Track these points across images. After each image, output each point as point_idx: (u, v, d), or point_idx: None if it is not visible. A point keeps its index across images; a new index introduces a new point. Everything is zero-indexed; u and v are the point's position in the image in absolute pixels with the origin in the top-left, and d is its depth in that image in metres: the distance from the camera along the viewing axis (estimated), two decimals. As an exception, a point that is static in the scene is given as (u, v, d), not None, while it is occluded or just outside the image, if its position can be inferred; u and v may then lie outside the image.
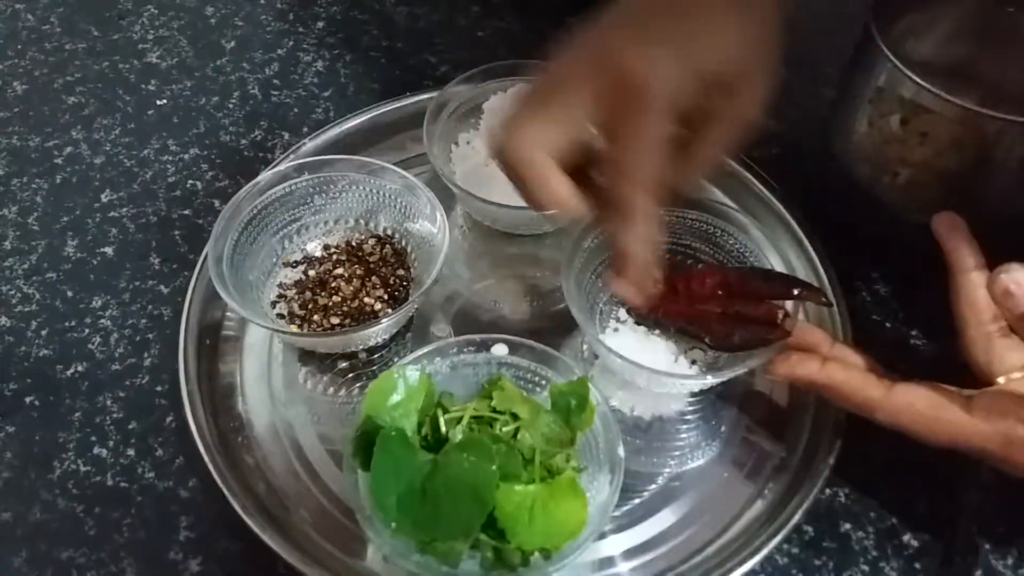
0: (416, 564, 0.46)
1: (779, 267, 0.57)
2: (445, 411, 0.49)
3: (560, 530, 0.46)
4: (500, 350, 0.54)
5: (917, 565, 0.52)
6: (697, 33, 0.42)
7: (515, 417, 0.49)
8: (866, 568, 0.52)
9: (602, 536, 0.52)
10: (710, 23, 0.43)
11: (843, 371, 0.49)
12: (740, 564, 0.49)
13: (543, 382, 0.53)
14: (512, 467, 0.47)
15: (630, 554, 0.52)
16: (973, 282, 0.50)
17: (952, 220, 0.52)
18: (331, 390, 0.58)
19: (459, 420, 0.49)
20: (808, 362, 0.50)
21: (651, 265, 0.47)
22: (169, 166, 0.72)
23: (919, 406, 0.47)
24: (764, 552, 0.50)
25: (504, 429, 0.49)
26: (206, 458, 0.52)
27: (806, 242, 0.63)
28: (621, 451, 0.49)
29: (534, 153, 0.42)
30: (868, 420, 0.49)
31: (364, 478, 0.47)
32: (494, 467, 0.45)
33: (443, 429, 0.48)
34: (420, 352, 0.52)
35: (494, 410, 0.49)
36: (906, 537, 0.53)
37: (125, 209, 0.68)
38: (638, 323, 0.59)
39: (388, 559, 0.50)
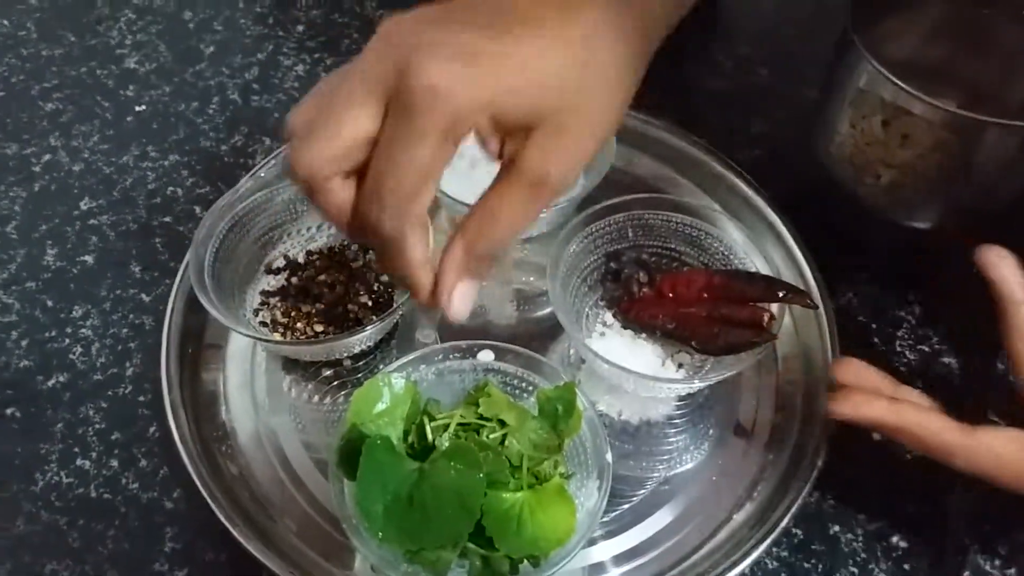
0: (404, 573, 0.46)
1: (764, 269, 0.57)
2: (432, 419, 0.49)
3: (549, 537, 0.46)
4: (486, 356, 0.53)
5: (906, 567, 0.52)
6: (509, 55, 0.35)
7: (502, 424, 0.49)
8: (855, 570, 0.52)
9: (591, 542, 0.52)
10: (531, 44, 0.36)
11: (916, 413, 0.47)
12: (730, 568, 0.49)
13: (530, 387, 0.53)
14: (499, 474, 0.46)
15: (620, 560, 0.52)
16: None
17: (999, 251, 0.49)
18: (315, 398, 0.58)
19: (446, 427, 0.48)
20: (875, 402, 0.47)
21: (423, 282, 0.39)
22: (149, 173, 0.71)
23: (1004, 452, 0.45)
24: (753, 556, 0.50)
25: (491, 436, 0.48)
26: (190, 468, 0.51)
27: (791, 244, 0.63)
28: (609, 456, 0.49)
29: (311, 178, 0.36)
30: (861, 428, 0.49)
31: (350, 487, 0.47)
32: (481, 475, 0.45)
33: (429, 437, 0.48)
34: (405, 359, 0.52)
35: (481, 417, 0.49)
36: (895, 539, 0.53)
37: (105, 217, 0.68)
38: (624, 327, 0.59)
39: (376, 570, 0.50)
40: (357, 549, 0.48)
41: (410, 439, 0.49)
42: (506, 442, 0.48)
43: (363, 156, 0.37)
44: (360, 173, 0.37)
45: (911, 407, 0.47)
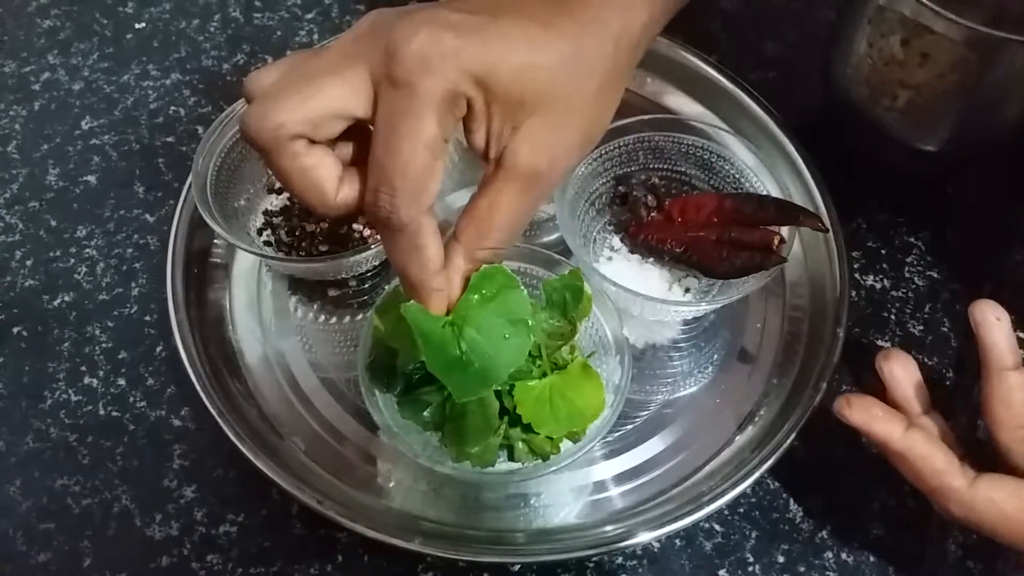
0: (452, 469, 0.47)
1: (775, 193, 0.56)
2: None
3: (583, 413, 0.47)
4: None
5: (905, 488, 0.52)
6: (500, 35, 0.34)
7: None
8: (857, 492, 0.52)
9: (592, 461, 0.53)
10: (522, 29, 0.35)
11: (926, 445, 0.44)
12: (732, 487, 0.50)
13: (534, 281, 0.53)
14: (522, 365, 0.45)
15: (622, 478, 0.53)
16: (1010, 382, 0.44)
17: (995, 310, 0.46)
18: (322, 318, 0.58)
19: None
20: (891, 423, 0.45)
21: (437, 285, 0.38)
22: (150, 92, 0.70)
23: (1007, 507, 0.42)
24: (755, 476, 0.50)
25: None
26: (197, 386, 0.52)
27: (802, 167, 0.61)
28: (625, 331, 0.50)
29: (278, 135, 0.34)
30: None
31: (384, 400, 0.48)
32: (517, 283, 0.42)
33: None
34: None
35: None
36: (895, 460, 0.53)
37: (107, 136, 0.67)
38: (632, 252, 0.59)
39: (396, 482, 0.52)
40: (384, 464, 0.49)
41: None
42: None
43: (335, 130, 0.35)
44: (354, 161, 0.36)
45: (923, 437, 0.44)
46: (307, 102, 0.34)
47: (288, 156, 0.35)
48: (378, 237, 0.56)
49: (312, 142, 0.35)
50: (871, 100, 0.59)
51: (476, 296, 0.41)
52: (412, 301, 0.40)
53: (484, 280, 0.41)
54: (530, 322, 0.42)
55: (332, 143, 0.36)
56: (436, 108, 0.33)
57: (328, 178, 0.36)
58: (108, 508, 0.51)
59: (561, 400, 0.47)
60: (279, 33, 0.73)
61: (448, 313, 0.40)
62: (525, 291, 0.42)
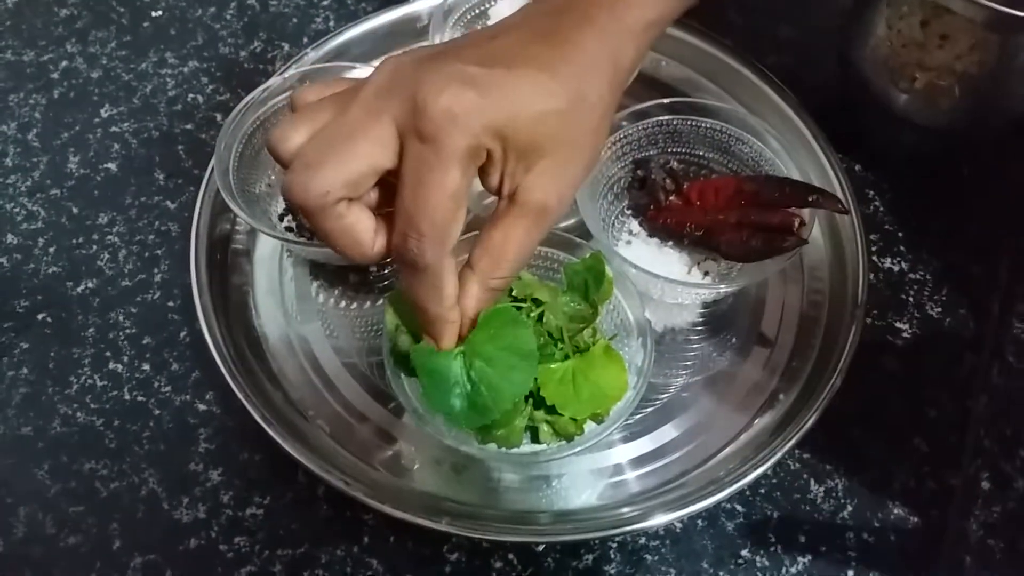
0: (479, 451, 0.48)
1: (793, 175, 0.56)
2: None
3: (606, 395, 0.48)
4: None
5: (926, 468, 0.53)
6: (513, 87, 0.37)
7: (537, 302, 0.49)
8: (876, 472, 0.53)
9: (610, 444, 0.53)
10: (530, 80, 0.37)
11: None
12: (752, 469, 0.50)
13: (555, 265, 0.54)
14: (544, 348, 0.48)
15: (642, 461, 0.53)
16: None
17: None
18: (343, 303, 0.58)
19: None
20: None
21: (452, 318, 0.41)
22: (168, 80, 0.70)
23: None
24: (776, 458, 0.50)
25: (531, 315, 0.49)
26: (223, 370, 0.52)
27: (819, 150, 0.62)
28: (647, 313, 0.50)
29: (324, 201, 0.36)
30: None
31: (409, 382, 0.48)
32: (524, 320, 0.45)
33: None
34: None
35: (515, 299, 0.49)
36: (916, 441, 0.54)
37: (126, 124, 0.67)
38: (651, 235, 0.59)
39: (420, 464, 0.52)
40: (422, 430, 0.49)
41: None
42: (544, 318, 0.49)
43: (369, 186, 0.37)
44: (379, 206, 0.39)
45: None
46: (346, 166, 0.36)
47: (334, 218, 0.37)
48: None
49: (350, 200, 0.37)
50: (889, 82, 0.59)
51: (485, 332, 0.44)
52: (421, 343, 0.43)
53: (493, 318, 0.44)
54: (535, 356, 0.45)
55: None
56: (461, 161, 0.36)
57: (366, 232, 0.39)
58: (136, 491, 0.51)
59: (584, 382, 0.48)
60: (295, 20, 0.74)
61: (460, 342, 0.43)
62: (531, 327, 0.45)
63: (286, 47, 0.72)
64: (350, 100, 0.37)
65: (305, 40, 0.72)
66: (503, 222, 0.39)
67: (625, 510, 0.50)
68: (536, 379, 0.47)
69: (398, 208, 0.37)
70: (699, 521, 0.51)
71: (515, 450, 0.48)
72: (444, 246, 0.38)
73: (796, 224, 0.53)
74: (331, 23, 0.73)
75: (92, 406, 0.54)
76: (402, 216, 0.37)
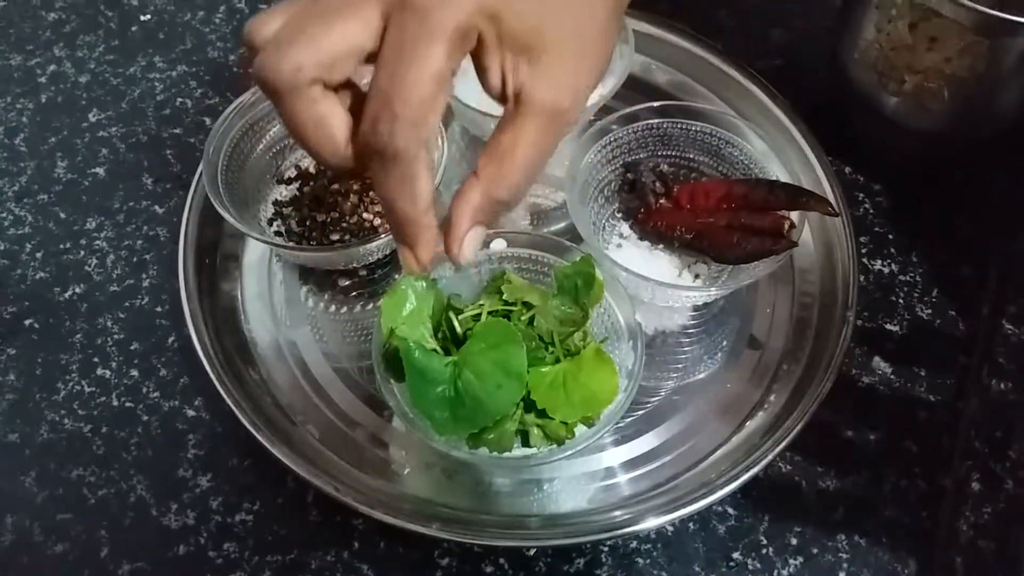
0: (469, 455, 0.48)
1: (784, 179, 0.56)
2: (459, 312, 0.50)
3: (597, 398, 0.48)
4: (499, 245, 0.54)
5: (916, 470, 0.53)
6: None
7: (527, 306, 0.49)
8: (868, 473, 0.53)
9: (602, 448, 0.53)
10: None
11: None
12: (743, 472, 0.50)
13: (546, 268, 0.54)
14: (535, 352, 0.48)
15: (634, 464, 0.53)
16: None
17: None
18: (333, 308, 0.58)
19: (477, 317, 0.49)
20: None
21: (427, 222, 0.37)
22: (157, 84, 0.70)
23: None
24: (767, 460, 0.50)
25: (521, 319, 0.49)
26: (212, 376, 0.52)
27: (810, 153, 0.62)
28: (638, 316, 0.50)
29: (296, 77, 0.33)
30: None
31: (400, 388, 0.48)
32: (519, 339, 0.45)
33: (458, 329, 0.49)
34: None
35: (506, 303, 0.49)
36: (906, 443, 0.54)
37: (114, 128, 0.67)
38: (641, 239, 0.59)
39: (411, 468, 0.52)
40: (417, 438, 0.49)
41: (440, 334, 0.49)
42: (535, 322, 0.49)
43: (349, 70, 0.34)
44: (355, 98, 0.36)
45: None
46: (323, 40, 0.33)
47: (306, 102, 0.34)
48: (387, 226, 0.56)
49: (325, 87, 0.34)
50: (879, 85, 0.59)
51: (480, 343, 0.45)
52: (406, 339, 0.44)
53: (489, 332, 0.46)
54: (524, 378, 0.45)
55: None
56: (448, 39, 0.33)
57: (340, 127, 0.35)
58: (124, 498, 0.51)
59: (575, 385, 0.48)
60: (284, 24, 0.73)
61: (429, 267, 0.39)
62: (525, 347, 0.45)
63: (275, 51, 0.71)
64: None
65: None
66: (511, 125, 0.36)
67: (616, 514, 0.50)
68: (527, 383, 0.47)
69: (372, 88, 0.34)
70: (690, 524, 0.51)
71: (506, 454, 0.48)
72: (419, 131, 0.34)
73: (786, 227, 0.53)
74: (320, 27, 0.73)
75: (80, 412, 0.54)
76: (375, 96, 0.33)
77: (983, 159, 0.65)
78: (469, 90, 0.63)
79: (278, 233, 0.58)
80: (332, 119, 0.35)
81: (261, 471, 0.51)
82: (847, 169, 0.64)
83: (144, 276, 0.59)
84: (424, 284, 0.49)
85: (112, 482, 0.51)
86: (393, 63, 0.33)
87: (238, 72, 0.70)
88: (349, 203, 0.58)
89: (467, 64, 0.66)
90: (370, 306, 0.58)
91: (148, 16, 0.74)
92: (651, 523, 0.49)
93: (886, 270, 0.60)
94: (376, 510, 0.48)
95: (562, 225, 0.62)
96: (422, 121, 0.34)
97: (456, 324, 0.49)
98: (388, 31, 0.33)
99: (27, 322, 0.57)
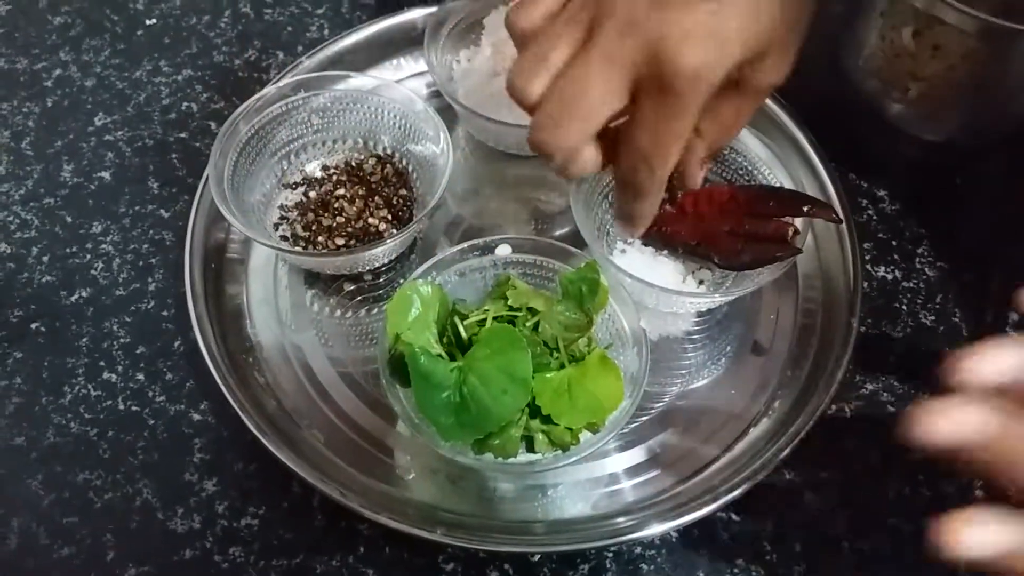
0: (474, 461, 0.48)
1: (788, 185, 0.57)
2: (464, 317, 0.50)
3: (601, 405, 0.48)
4: (504, 250, 0.54)
5: (920, 477, 0.53)
6: (730, 13, 0.38)
7: (532, 312, 0.50)
8: (870, 483, 0.53)
9: (605, 454, 0.53)
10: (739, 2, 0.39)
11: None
12: (747, 479, 0.50)
13: (550, 274, 0.54)
14: (540, 357, 0.48)
15: (638, 470, 0.53)
16: None
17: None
18: (338, 312, 0.58)
19: (483, 323, 0.49)
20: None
21: (653, 214, 0.48)
22: (163, 88, 0.70)
23: None
24: (771, 467, 0.51)
25: (526, 324, 0.49)
26: (218, 380, 0.52)
27: (813, 159, 0.62)
28: (643, 323, 0.51)
29: (571, 155, 0.42)
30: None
31: (406, 394, 0.48)
32: (524, 345, 0.46)
33: (463, 334, 0.49)
34: (427, 265, 0.53)
35: (511, 308, 0.50)
36: (910, 450, 0.54)
37: (120, 132, 0.67)
38: (646, 244, 0.59)
39: (416, 474, 0.52)
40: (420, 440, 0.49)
41: (445, 339, 0.50)
42: (540, 327, 0.49)
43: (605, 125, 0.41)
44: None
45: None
46: (590, 123, 0.40)
47: (578, 164, 0.43)
48: (394, 232, 0.57)
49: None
50: (882, 92, 0.59)
51: (486, 349, 0.46)
52: (411, 344, 0.47)
53: (494, 337, 0.46)
54: (528, 384, 0.46)
55: None
56: (695, 112, 0.39)
57: (593, 162, 0.43)
58: (130, 502, 0.51)
59: (580, 391, 0.48)
60: (289, 29, 0.74)
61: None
62: (529, 353, 0.46)
63: (281, 55, 0.72)
64: (586, 40, 0.39)
65: (300, 48, 0.72)
66: (733, 101, 0.44)
67: (621, 520, 0.50)
68: (532, 389, 0.47)
69: (630, 141, 0.41)
70: (695, 531, 0.51)
71: (511, 460, 0.48)
72: (665, 174, 0.43)
73: (790, 233, 0.53)
74: (326, 31, 0.73)
75: (86, 416, 0.54)
76: (635, 151, 0.41)
77: (987, 166, 0.65)
78: (475, 94, 0.63)
79: (284, 237, 0.59)
80: (588, 161, 0.43)
81: (267, 475, 0.52)
82: (851, 175, 0.64)
83: (150, 280, 0.59)
84: (429, 289, 0.49)
85: (118, 486, 0.51)
86: (652, 131, 0.40)
87: (244, 76, 0.70)
88: (355, 208, 0.59)
89: (471, 66, 0.66)
90: (375, 311, 0.58)
91: (154, 20, 0.74)
92: (655, 529, 0.49)
93: (890, 276, 0.61)
94: (381, 515, 0.48)
95: (566, 230, 0.62)
96: (668, 169, 0.42)
97: (461, 329, 0.49)
98: (642, 100, 0.39)
99: (33, 326, 0.58)
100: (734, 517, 0.52)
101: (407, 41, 0.69)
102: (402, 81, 0.68)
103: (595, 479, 0.53)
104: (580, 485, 0.53)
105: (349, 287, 0.59)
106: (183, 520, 0.50)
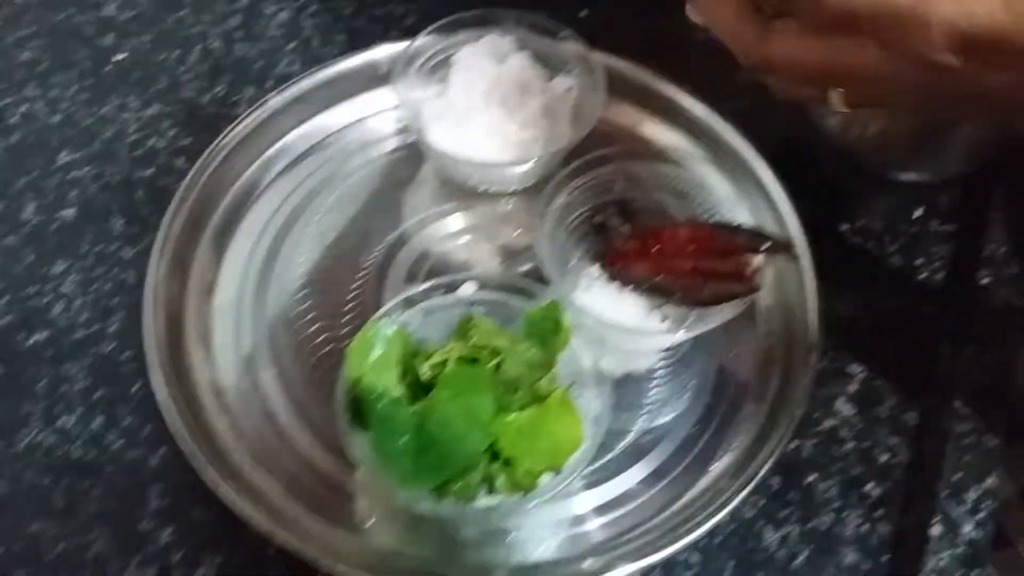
0: (431, 509, 0.48)
1: (750, 221, 0.57)
2: (428, 356, 0.49)
3: (563, 447, 0.48)
4: (469, 289, 0.55)
5: (878, 513, 0.53)
6: None
7: (495, 352, 0.49)
8: (830, 517, 0.53)
9: (569, 494, 0.53)
10: None
11: None
12: (708, 518, 0.50)
13: (514, 313, 0.54)
14: (502, 398, 0.48)
15: (601, 510, 0.53)
16: None
17: None
18: (302, 355, 0.58)
19: (445, 363, 0.49)
20: None
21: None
22: (130, 124, 0.70)
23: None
24: (732, 505, 0.50)
25: (489, 364, 0.49)
26: (173, 426, 0.51)
27: (776, 195, 0.62)
28: (604, 363, 0.51)
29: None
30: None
31: (362, 437, 0.48)
32: (485, 389, 0.46)
33: (421, 377, 0.49)
34: (390, 305, 0.52)
35: (474, 347, 0.50)
36: (868, 487, 0.54)
37: (86, 169, 0.67)
38: (610, 280, 0.59)
39: (376, 519, 0.52)
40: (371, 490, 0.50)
41: (407, 380, 0.49)
42: (502, 367, 0.49)
43: None
44: None
45: None
46: None
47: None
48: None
49: None
50: (843, 129, 0.60)
51: (447, 392, 0.46)
52: (369, 389, 0.47)
53: (456, 379, 0.46)
54: (491, 425, 0.46)
55: None
56: None
57: None
58: (83, 553, 0.50)
59: (541, 433, 0.48)
60: (260, 63, 0.74)
61: None
62: (492, 395, 0.46)
63: (250, 91, 0.72)
64: None
65: (270, 84, 0.72)
66: None
67: (585, 563, 0.50)
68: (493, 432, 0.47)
69: None
70: (655, 572, 0.51)
71: (470, 506, 0.48)
72: None
73: (749, 271, 0.53)
74: (296, 66, 0.73)
75: (40, 464, 0.53)
76: None
77: (948, 202, 0.65)
78: (444, 132, 0.63)
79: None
80: None
81: (224, 523, 0.51)
82: (813, 210, 0.65)
83: (111, 321, 0.59)
84: (391, 330, 0.49)
85: (72, 536, 0.51)
86: None
87: (212, 112, 0.70)
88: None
89: (440, 103, 0.66)
90: (339, 351, 0.58)
91: (123, 55, 0.74)
92: (617, 572, 0.48)
93: (849, 311, 0.61)
94: (339, 564, 0.47)
95: (531, 265, 0.62)
96: None
97: (422, 371, 0.49)
98: None
99: (-10, 370, 0.57)
100: (694, 557, 0.52)
101: (376, 78, 0.69)
102: (371, 117, 0.68)
103: (559, 521, 0.52)
104: (544, 527, 0.52)
105: (312, 329, 0.58)
106: (137, 570, 0.50)
